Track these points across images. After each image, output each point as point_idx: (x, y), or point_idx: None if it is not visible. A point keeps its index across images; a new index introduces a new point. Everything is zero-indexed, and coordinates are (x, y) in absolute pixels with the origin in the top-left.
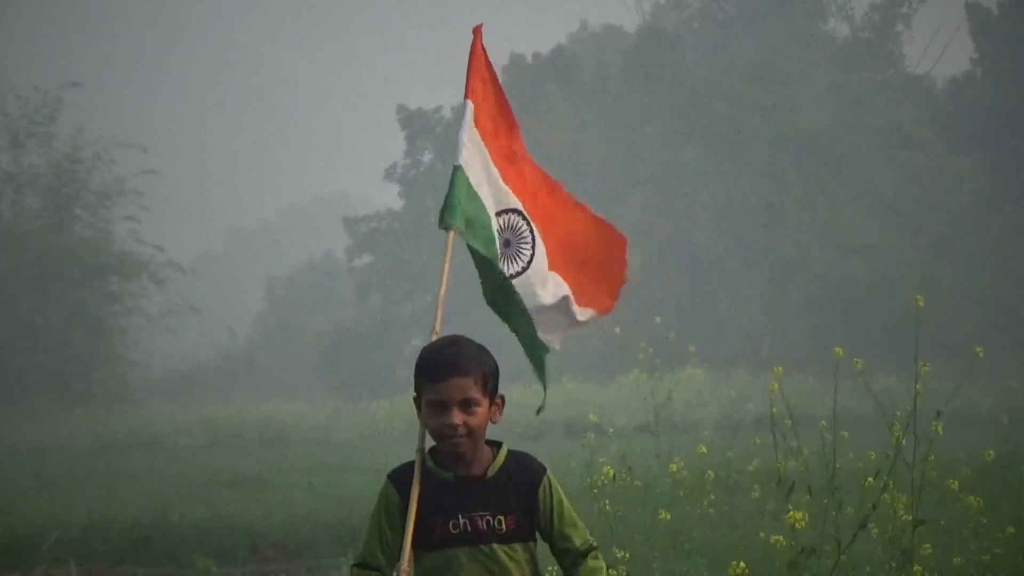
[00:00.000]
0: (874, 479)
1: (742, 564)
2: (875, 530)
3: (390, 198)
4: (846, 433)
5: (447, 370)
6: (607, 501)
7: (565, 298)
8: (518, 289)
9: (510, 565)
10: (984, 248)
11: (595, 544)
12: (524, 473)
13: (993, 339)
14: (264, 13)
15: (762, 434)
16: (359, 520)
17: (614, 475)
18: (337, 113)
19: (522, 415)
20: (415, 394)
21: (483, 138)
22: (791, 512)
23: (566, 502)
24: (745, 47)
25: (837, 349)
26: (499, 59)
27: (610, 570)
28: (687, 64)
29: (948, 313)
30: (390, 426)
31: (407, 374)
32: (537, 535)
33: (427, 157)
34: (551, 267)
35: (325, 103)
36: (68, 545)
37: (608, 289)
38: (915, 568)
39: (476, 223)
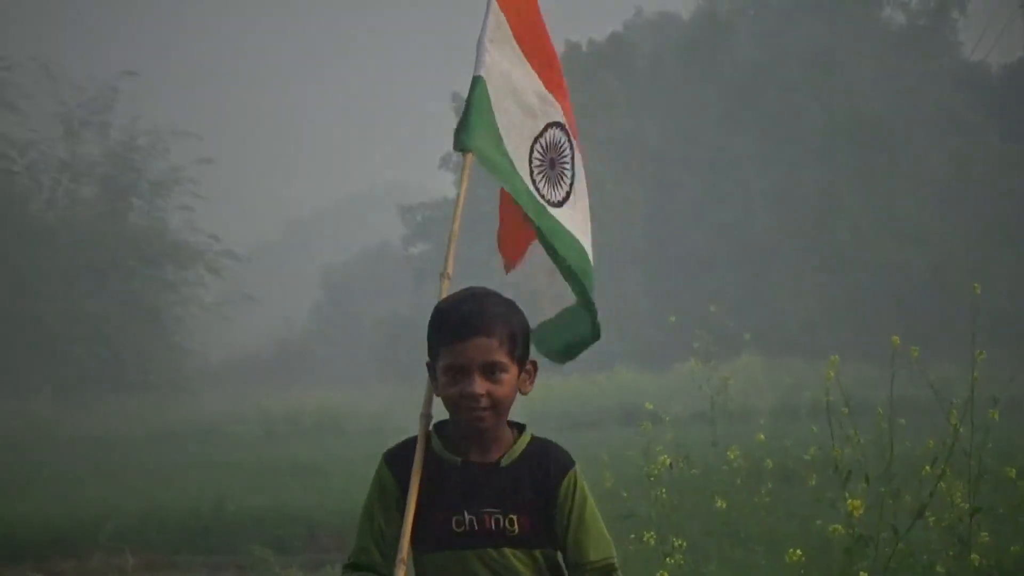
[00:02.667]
0: (931, 467)
1: (798, 552)
2: (932, 518)
3: (445, 186)
4: (903, 421)
5: (468, 329)
6: (663, 489)
7: None
8: (562, 220)
9: (524, 573)
10: None
11: (616, 565)
12: (547, 465)
13: None
14: (320, 4)
15: (818, 422)
16: None
17: (671, 464)
18: (394, 101)
19: (581, 404)
20: (428, 359)
21: (519, 42)
22: (849, 500)
23: (591, 506)
24: (800, 34)
25: (894, 337)
26: (556, 46)
27: (668, 559)
28: (742, 51)
29: (1003, 300)
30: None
31: None
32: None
33: None
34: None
35: (382, 91)
36: (125, 534)
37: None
38: (972, 556)
39: (493, 146)
